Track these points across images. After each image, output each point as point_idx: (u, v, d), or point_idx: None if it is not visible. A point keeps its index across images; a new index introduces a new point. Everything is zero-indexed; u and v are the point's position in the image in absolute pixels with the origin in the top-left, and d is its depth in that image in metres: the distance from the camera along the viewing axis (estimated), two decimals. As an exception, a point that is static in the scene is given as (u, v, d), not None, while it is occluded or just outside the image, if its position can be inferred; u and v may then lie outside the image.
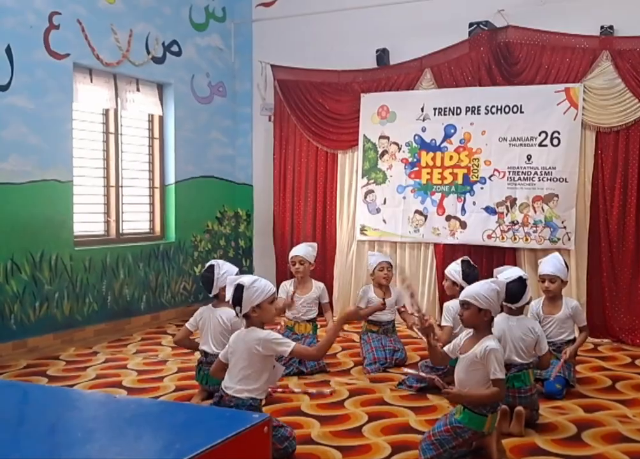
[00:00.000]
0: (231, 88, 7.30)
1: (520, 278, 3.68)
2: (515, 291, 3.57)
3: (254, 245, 7.36)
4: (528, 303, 3.88)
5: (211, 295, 4.24)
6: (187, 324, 4.29)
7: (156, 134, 6.62)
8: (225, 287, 4.11)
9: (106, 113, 6.08)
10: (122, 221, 6.24)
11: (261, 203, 7.32)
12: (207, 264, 4.34)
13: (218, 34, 7.11)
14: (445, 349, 3.43)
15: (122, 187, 6.21)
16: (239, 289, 3.22)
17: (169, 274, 6.55)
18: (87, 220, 5.95)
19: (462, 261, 4.46)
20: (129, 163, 6.34)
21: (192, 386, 4.36)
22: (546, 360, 3.76)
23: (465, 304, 3.26)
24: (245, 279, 3.28)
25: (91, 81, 5.78)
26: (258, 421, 1.47)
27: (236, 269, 4.23)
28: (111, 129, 6.12)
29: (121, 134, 6.20)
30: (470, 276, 4.33)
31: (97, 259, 5.78)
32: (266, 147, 7.21)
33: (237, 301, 3.22)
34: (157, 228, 6.64)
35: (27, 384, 3.36)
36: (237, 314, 3.26)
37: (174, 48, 6.53)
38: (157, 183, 6.63)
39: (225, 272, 4.14)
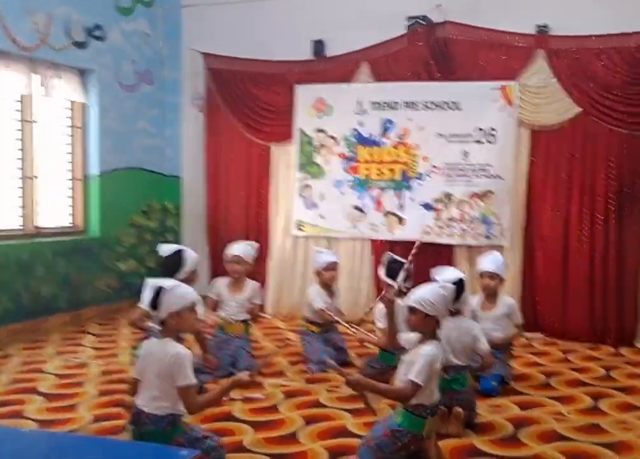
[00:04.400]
0: (159, 76, 6.98)
1: (460, 280, 3.60)
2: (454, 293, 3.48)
3: (182, 240, 7.05)
4: (465, 304, 3.81)
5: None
6: (140, 304, 3.94)
7: (78, 123, 6.23)
8: (193, 270, 4.10)
9: (22, 100, 5.66)
10: (40, 215, 5.83)
11: (190, 196, 7.03)
12: (168, 246, 4.23)
13: (145, 19, 6.77)
14: (402, 338, 3.32)
15: (37, 178, 5.79)
16: (158, 291, 2.94)
17: (92, 270, 6.19)
18: (1, 213, 5.53)
19: (386, 260, 4.34)
20: (48, 153, 5.94)
21: (116, 390, 4.09)
22: (488, 361, 3.71)
23: (411, 309, 3.15)
24: (166, 283, 3.01)
25: (7, 66, 5.36)
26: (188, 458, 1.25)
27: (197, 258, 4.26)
28: (29, 117, 5.70)
29: (34, 122, 5.76)
30: (393, 270, 4.22)
31: (12, 255, 5.39)
32: (195, 138, 6.92)
33: (155, 304, 2.94)
34: (79, 222, 6.26)
35: None
36: (153, 319, 3.00)
37: (98, 33, 6.14)
38: (78, 174, 6.24)
39: (195, 257, 4.18)
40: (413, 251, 4.02)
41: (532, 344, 5.43)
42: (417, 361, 3.00)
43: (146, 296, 3.01)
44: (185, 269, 4.09)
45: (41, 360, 4.85)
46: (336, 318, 4.75)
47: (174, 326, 2.96)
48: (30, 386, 4.25)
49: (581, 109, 5.50)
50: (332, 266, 4.92)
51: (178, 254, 4.14)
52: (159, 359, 2.89)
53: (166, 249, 4.23)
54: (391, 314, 3.49)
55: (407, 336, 3.33)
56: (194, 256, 4.21)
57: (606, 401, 4.05)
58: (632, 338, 5.40)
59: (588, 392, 4.23)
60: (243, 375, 3.07)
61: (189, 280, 4.01)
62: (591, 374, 4.65)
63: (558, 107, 5.58)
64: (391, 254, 4.44)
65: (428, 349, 3.07)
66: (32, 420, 3.64)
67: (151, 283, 3.06)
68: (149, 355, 2.96)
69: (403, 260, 4.31)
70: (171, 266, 4.08)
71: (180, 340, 3.02)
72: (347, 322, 4.70)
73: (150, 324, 3.98)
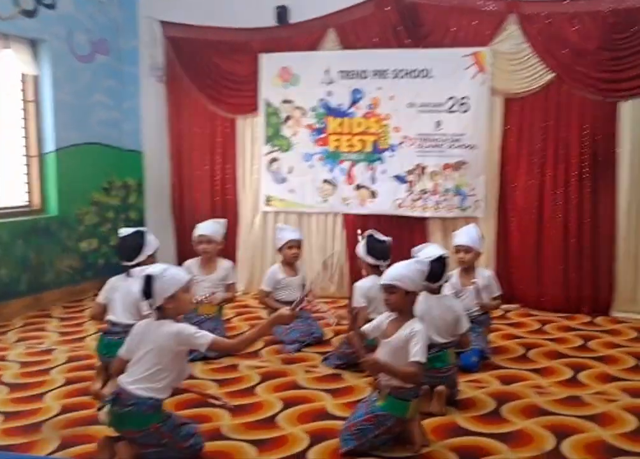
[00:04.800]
0: (115, 46, 6.62)
1: (440, 257, 3.51)
2: (436, 271, 3.39)
3: (146, 218, 6.81)
4: (447, 281, 3.74)
5: (132, 263, 3.88)
6: (97, 299, 3.96)
7: (30, 97, 5.89)
8: (152, 255, 3.96)
9: (-30, 71, 5.32)
10: (-6, 194, 5.54)
11: (152, 172, 6.75)
12: (128, 230, 4.06)
13: (99, -15, 6.40)
14: (364, 328, 3.22)
15: (-7, 155, 5.51)
16: (148, 280, 2.85)
17: (52, 251, 5.92)
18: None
19: (366, 235, 4.24)
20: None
21: (84, 378, 3.92)
22: (466, 340, 3.68)
23: (390, 287, 3.04)
24: (154, 269, 2.92)
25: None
26: None
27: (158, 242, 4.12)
28: (-22, 89, 5.37)
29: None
30: (375, 250, 4.13)
31: (-33, 237, 5.11)
32: (156, 111, 6.61)
33: (148, 294, 2.86)
34: (36, 201, 5.96)
35: None
36: (150, 307, 2.91)
37: (48, 1, 5.77)
38: (33, 151, 5.93)
39: (156, 241, 4.06)
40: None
41: (508, 316, 5.40)
42: (416, 341, 2.94)
43: (136, 286, 2.96)
44: (146, 251, 3.93)
45: (2, 347, 4.62)
46: (276, 306, 4.49)
47: (172, 310, 2.90)
48: (-7, 375, 4.05)
49: (554, 76, 5.40)
50: (293, 244, 4.79)
51: (138, 235, 3.97)
52: (158, 339, 2.84)
53: (125, 231, 4.07)
54: (355, 327, 3.31)
55: (369, 326, 3.23)
56: (154, 239, 4.07)
57: (585, 373, 4.03)
58: (608, 308, 5.41)
59: (567, 363, 4.21)
60: (284, 310, 3.02)
61: (147, 263, 3.84)
62: (569, 344, 4.63)
63: (531, 73, 5.47)
64: (373, 231, 4.31)
65: (418, 326, 3.01)
66: (-4, 412, 3.47)
67: (137, 272, 2.96)
68: (145, 334, 2.89)
69: (385, 238, 4.20)
70: (131, 247, 3.92)
71: (176, 320, 2.95)
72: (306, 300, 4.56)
73: (110, 317, 3.86)
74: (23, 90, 5.84)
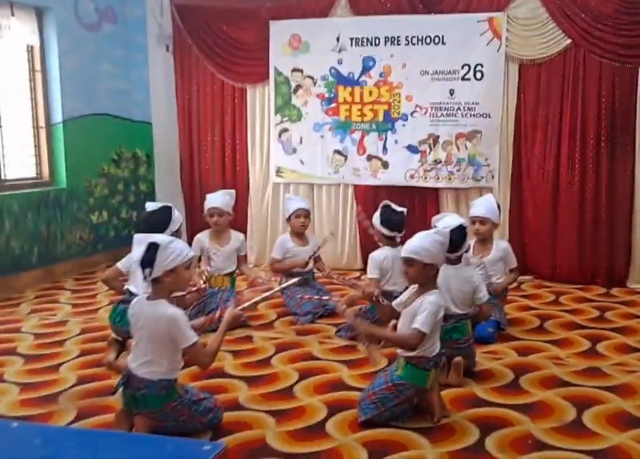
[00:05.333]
0: (122, 14, 6.50)
1: (460, 226, 3.45)
2: (455, 240, 3.33)
3: (156, 190, 6.76)
4: (467, 251, 3.69)
5: None
6: (118, 264, 3.87)
7: (37, 67, 5.80)
8: (177, 230, 3.91)
9: (-24, 40, 5.23)
10: (4, 166, 5.48)
11: (162, 143, 6.67)
12: (155, 204, 4.06)
13: (105, -50, 6.26)
14: (394, 303, 3.20)
15: (0, 127, 5.43)
16: (152, 248, 2.73)
17: (63, 223, 5.89)
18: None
19: (381, 206, 4.19)
20: (7, 100, 5.53)
21: (99, 349, 3.92)
22: (486, 310, 3.61)
23: (408, 260, 3.00)
24: (159, 238, 2.80)
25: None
26: (211, 456, 1.04)
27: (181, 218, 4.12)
28: (-16, 59, 5.29)
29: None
30: (391, 221, 4.09)
31: (-23, 209, 5.08)
32: (165, 81, 6.51)
33: (148, 262, 2.72)
34: (46, 173, 5.91)
35: None
36: (145, 277, 2.76)
37: (53, -34, 5.66)
38: (42, 122, 5.86)
39: (180, 216, 4.03)
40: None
41: (522, 287, 5.36)
42: (422, 310, 2.90)
43: (138, 253, 2.81)
44: (171, 227, 3.89)
45: (16, 319, 4.62)
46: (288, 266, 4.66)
47: (168, 285, 2.80)
48: (7, 347, 4.05)
49: (571, 41, 5.27)
50: (301, 213, 4.74)
51: (165, 211, 3.94)
52: (153, 323, 2.74)
53: (152, 205, 4.06)
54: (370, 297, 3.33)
55: (397, 301, 3.20)
56: (179, 215, 4.05)
57: (603, 344, 4.00)
58: (624, 279, 5.36)
59: (584, 334, 4.18)
60: (235, 311, 3.02)
61: None
62: (586, 316, 4.60)
63: (547, 39, 5.33)
64: (389, 201, 4.26)
65: (432, 297, 2.97)
66: (14, 383, 3.48)
67: (140, 239, 2.87)
68: (139, 316, 2.80)
69: (402, 209, 4.16)
70: (157, 222, 3.86)
71: (171, 300, 2.84)
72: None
73: (126, 286, 3.82)
74: (29, 60, 5.76)
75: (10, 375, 3.60)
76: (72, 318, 4.65)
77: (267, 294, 3.61)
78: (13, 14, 5.38)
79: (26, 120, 5.77)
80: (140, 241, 2.85)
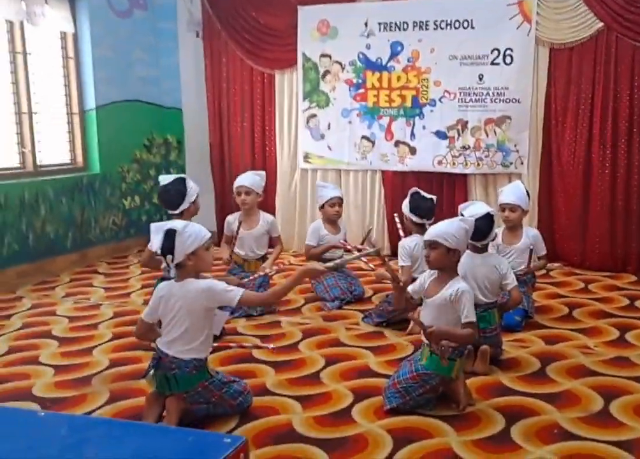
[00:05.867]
0: (153, 1, 6.56)
1: (488, 214, 3.43)
2: (482, 228, 3.33)
3: (186, 175, 6.82)
4: (493, 240, 3.67)
5: (177, 211, 3.92)
6: (149, 246, 3.83)
7: (71, 53, 5.90)
8: (194, 201, 3.95)
9: (11, 29, 5.32)
10: (39, 152, 5.60)
11: (192, 129, 6.75)
12: (168, 177, 4.06)
13: (135, -63, 6.30)
14: (409, 289, 3.19)
15: (35, 113, 5.54)
16: (170, 235, 2.80)
17: (96, 208, 6.02)
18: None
19: (411, 193, 4.19)
20: (42, 86, 5.64)
21: (131, 333, 3.90)
22: (516, 296, 3.56)
23: (432, 244, 3.01)
24: (176, 224, 2.86)
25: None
26: (232, 449, 1.09)
27: (198, 187, 4.10)
28: (19, 47, 5.38)
29: (30, 54, 5.47)
30: (420, 208, 4.09)
31: (14, 195, 5.21)
32: (195, 67, 6.58)
33: (168, 249, 2.80)
34: (79, 159, 6.04)
35: None
36: (167, 264, 2.85)
37: (86, -45, 5.72)
38: (75, 108, 5.97)
39: (195, 186, 4.03)
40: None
41: (551, 275, 5.32)
42: (464, 302, 2.92)
43: (156, 241, 2.86)
44: (189, 198, 3.94)
45: (52, 302, 4.75)
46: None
47: (192, 267, 2.86)
48: (43, 329, 4.17)
49: (603, 25, 5.15)
50: (335, 201, 4.76)
51: (179, 182, 3.97)
52: (187, 300, 2.81)
53: (166, 178, 4.08)
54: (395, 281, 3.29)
55: (411, 288, 3.20)
56: (195, 185, 4.07)
57: (633, 333, 3.95)
58: (655, 266, 5.30)
59: (613, 323, 4.13)
60: (316, 264, 3.12)
61: (190, 210, 3.95)
62: (615, 304, 4.54)
63: (578, 23, 5.23)
64: (417, 188, 4.26)
65: (463, 286, 2.98)
66: (49, 365, 3.58)
67: (156, 228, 2.91)
68: (170, 297, 2.86)
69: (431, 196, 4.16)
70: (174, 195, 3.92)
71: (199, 278, 2.91)
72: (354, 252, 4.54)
73: (164, 263, 3.89)
74: (63, 47, 5.85)
75: (45, 357, 3.70)
76: (106, 301, 4.76)
77: (349, 258, 3.73)
78: (47, 2, 5.46)
79: (60, 106, 5.88)
80: (156, 230, 2.89)
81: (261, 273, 4.51)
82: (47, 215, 5.50)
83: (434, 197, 4.21)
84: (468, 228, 3.06)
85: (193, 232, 2.84)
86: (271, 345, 3.78)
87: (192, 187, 4.01)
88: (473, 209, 3.49)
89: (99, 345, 3.89)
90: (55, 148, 5.84)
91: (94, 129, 5.99)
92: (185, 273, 2.86)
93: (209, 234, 2.94)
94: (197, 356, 2.83)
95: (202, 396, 2.86)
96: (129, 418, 2.94)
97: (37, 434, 1.31)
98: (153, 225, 2.95)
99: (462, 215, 3.42)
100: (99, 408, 3.06)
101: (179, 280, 2.87)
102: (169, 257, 2.81)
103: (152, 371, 2.88)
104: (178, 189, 3.93)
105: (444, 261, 3.02)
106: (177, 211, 3.92)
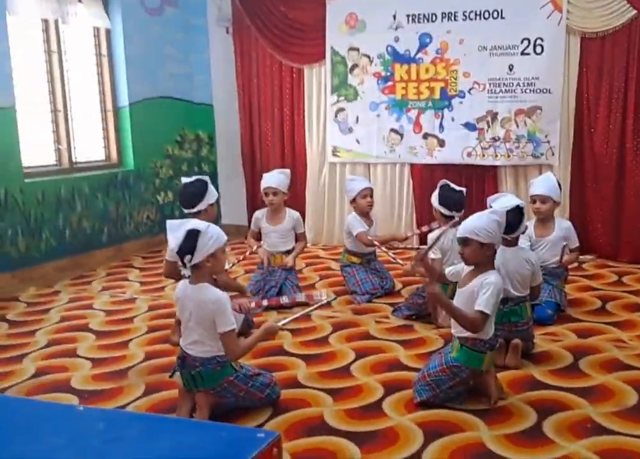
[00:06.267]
0: (183, -3, 6.65)
1: (517, 207, 3.40)
2: (512, 221, 3.30)
3: (218, 170, 6.93)
4: (523, 232, 3.64)
5: (194, 210, 3.88)
6: (167, 257, 3.90)
7: (104, 51, 6.01)
8: (212, 203, 3.94)
9: (46, 28, 5.44)
10: (75, 149, 5.74)
11: (223, 125, 6.82)
12: (189, 178, 4.04)
13: None
14: (446, 270, 3.24)
15: (70, 111, 5.67)
16: (193, 235, 2.78)
17: (131, 204, 6.15)
18: (36, 149, 5.44)
19: (440, 186, 4.19)
20: (76, 84, 5.76)
21: (165, 326, 4.09)
22: (538, 291, 3.58)
23: (464, 241, 3.00)
24: (196, 224, 2.84)
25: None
26: (265, 444, 1.12)
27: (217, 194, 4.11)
28: (54, 46, 5.50)
29: (64, 53, 5.59)
30: (450, 200, 4.08)
31: (51, 191, 5.35)
32: (225, 63, 6.63)
33: (189, 249, 2.78)
34: (114, 155, 6.16)
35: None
36: (185, 265, 2.81)
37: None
38: (109, 106, 6.08)
39: (213, 190, 4.01)
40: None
41: (584, 267, 5.26)
42: (485, 291, 2.90)
43: (174, 240, 2.81)
44: (208, 199, 3.94)
45: (89, 296, 4.87)
46: (376, 243, 4.63)
47: (209, 269, 2.86)
48: (80, 323, 4.28)
49: (636, 12, 5.05)
50: (367, 192, 4.75)
51: (200, 183, 3.97)
52: (198, 306, 2.83)
53: (187, 179, 4.08)
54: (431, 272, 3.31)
55: (454, 271, 3.23)
56: (214, 190, 4.05)
57: (668, 326, 3.90)
58: (689, 259, 5.21)
59: (647, 316, 4.08)
60: (273, 324, 3.11)
61: (207, 213, 3.92)
62: (649, 297, 4.48)
63: (610, 11, 5.14)
64: (447, 181, 4.25)
65: (492, 278, 2.95)
66: (86, 358, 3.67)
67: (173, 226, 2.86)
68: (186, 299, 2.89)
69: (460, 188, 4.15)
70: (193, 194, 3.91)
71: (214, 282, 2.93)
72: (389, 251, 4.58)
73: (182, 271, 3.91)
74: (96, 45, 5.96)
75: (83, 350, 3.80)
76: (141, 295, 4.86)
77: (298, 315, 3.73)
78: (80, 1, 5.57)
79: (94, 104, 6.00)
80: (173, 228, 2.85)
81: (287, 265, 4.59)
82: (83, 210, 5.63)
83: (464, 189, 4.19)
84: (500, 220, 3.02)
85: (214, 233, 2.83)
86: (325, 299, 3.78)
87: (212, 190, 4.01)
88: (502, 201, 3.45)
89: (135, 338, 3.97)
90: (90, 145, 5.96)
91: (128, 125, 6.10)
92: (201, 274, 2.85)
93: (226, 237, 2.94)
94: (219, 353, 2.85)
95: (229, 391, 2.90)
96: (163, 411, 3.01)
97: (76, 429, 1.37)
98: (169, 223, 2.89)
99: (491, 207, 3.40)
100: (135, 400, 3.13)
101: (194, 282, 2.86)
102: (187, 257, 2.78)
103: (177, 371, 2.94)
104: (197, 188, 3.93)
105: (479, 256, 3.00)
106: (194, 210, 3.88)
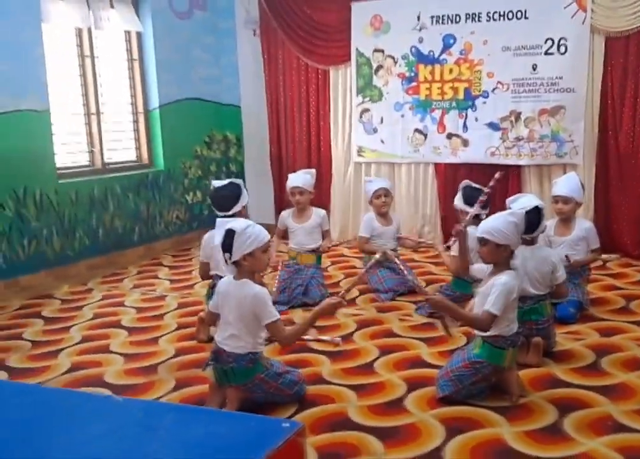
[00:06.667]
0: (212, 1, 6.77)
1: (536, 207, 3.45)
2: (531, 222, 3.35)
3: (245, 170, 7.06)
4: (542, 232, 3.68)
5: (230, 213, 3.95)
6: (200, 258, 4.09)
7: (135, 55, 6.17)
8: (245, 205, 4.04)
9: (79, 34, 5.62)
10: (107, 150, 5.91)
11: (250, 126, 6.95)
12: (220, 181, 4.15)
13: (193, -59, 6.50)
14: (474, 267, 3.35)
15: (103, 114, 5.84)
16: (230, 234, 2.91)
17: (161, 203, 6.30)
18: (69, 151, 5.63)
19: (462, 187, 4.25)
20: (109, 88, 5.93)
21: (195, 323, 4.15)
22: (564, 290, 3.60)
23: (482, 240, 3.08)
24: (237, 224, 2.96)
25: (60, -1, 5.29)
26: (291, 433, 1.23)
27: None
28: (87, 51, 5.67)
29: (97, 57, 5.76)
30: (474, 199, 4.11)
31: (84, 192, 5.52)
32: (253, 65, 6.76)
33: (227, 247, 2.92)
34: (144, 156, 6.32)
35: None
36: (226, 261, 2.96)
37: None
38: (140, 108, 6.24)
39: (245, 192, 4.08)
40: (492, 182, 3.76)
41: (608, 266, 5.27)
42: (493, 291, 2.97)
43: (219, 237, 2.98)
44: (241, 201, 4.01)
45: (120, 294, 5.02)
46: (373, 249, 4.76)
47: (248, 267, 2.97)
48: (113, 320, 4.41)
49: (661, 12, 5.07)
50: (381, 192, 4.84)
51: (235, 186, 4.05)
52: (239, 302, 2.93)
53: (219, 182, 4.15)
54: (462, 245, 3.43)
55: (478, 267, 3.30)
56: (246, 192, 4.13)
57: (691, 326, 3.91)
58: None
59: (671, 316, 4.08)
60: (330, 301, 3.12)
61: (242, 214, 3.99)
62: (673, 296, 4.48)
63: (635, 10, 5.15)
64: (469, 181, 4.32)
65: (503, 278, 3.02)
66: (118, 354, 3.80)
67: (221, 223, 3.03)
68: (227, 295, 2.99)
69: (482, 187, 4.19)
70: (228, 197, 3.99)
71: (253, 278, 3.03)
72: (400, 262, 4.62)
73: (211, 271, 4.00)
74: (128, 49, 6.12)
75: (115, 346, 3.92)
76: (171, 293, 4.99)
77: (355, 278, 3.77)
78: (112, 7, 5.73)
79: (126, 106, 6.16)
80: (220, 226, 3.00)
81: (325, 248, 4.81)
82: (115, 210, 5.80)
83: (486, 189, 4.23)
84: (517, 222, 3.08)
85: (253, 233, 2.92)
86: (337, 339, 3.87)
87: (245, 192, 4.08)
88: (521, 202, 3.50)
89: (165, 334, 4.08)
90: (121, 146, 6.13)
91: (158, 127, 6.25)
92: (242, 271, 2.97)
93: (268, 237, 3.03)
94: (253, 350, 2.95)
95: (259, 387, 2.99)
96: (193, 404, 3.10)
97: (115, 418, 1.48)
98: (218, 221, 3.08)
99: (510, 208, 3.45)
100: (166, 394, 3.23)
101: (237, 278, 2.99)
102: (226, 254, 2.93)
103: (210, 365, 3.03)
104: (232, 191, 4.00)
105: (495, 256, 3.07)
106: (229, 213, 3.95)
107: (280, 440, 1.23)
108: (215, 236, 3.09)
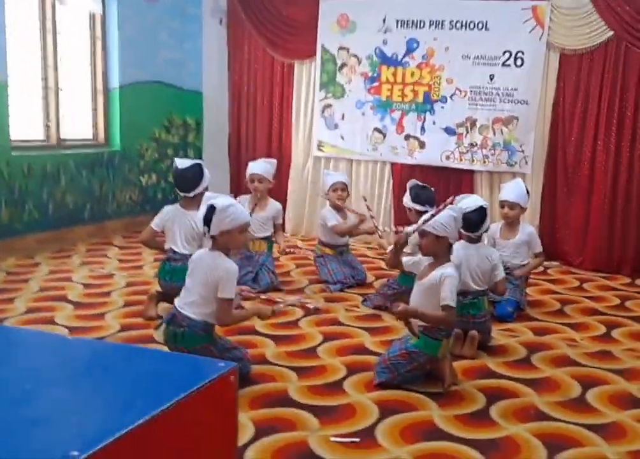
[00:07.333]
0: (179, -14, 6.77)
1: (481, 207, 3.62)
2: (475, 220, 3.52)
3: (203, 156, 7.07)
4: (486, 231, 3.85)
5: (190, 194, 4.01)
6: (152, 224, 4.09)
7: (98, 34, 6.12)
8: (206, 187, 4.08)
9: (42, 7, 5.55)
10: (63, 126, 5.84)
11: (211, 112, 6.97)
12: (185, 161, 4.16)
13: None
14: (404, 259, 3.40)
15: (62, 90, 5.78)
16: (211, 210, 3.03)
17: (114, 183, 6.26)
18: (25, 124, 5.55)
19: (410, 187, 4.38)
20: (70, 64, 5.87)
21: (142, 302, 4.19)
22: (502, 286, 3.76)
23: (422, 232, 3.21)
24: (220, 201, 3.07)
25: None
26: (224, 371, 1.37)
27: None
28: (49, 25, 5.61)
29: (59, 33, 5.69)
30: (422, 196, 4.26)
31: (37, 165, 5.46)
32: (217, 53, 6.79)
33: (207, 222, 3.05)
34: (101, 135, 6.27)
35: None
36: (204, 233, 3.10)
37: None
38: (99, 86, 6.20)
39: (207, 174, 4.11)
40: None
41: (549, 272, 5.47)
42: (446, 284, 3.07)
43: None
44: (203, 183, 4.06)
45: (68, 269, 4.99)
46: (352, 219, 4.86)
47: (223, 243, 3.08)
48: (59, 294, 4.40)
49: (613, 33, 5.29)
50: (339, 186, 4.91)
51: (197, 168, 4.08)
52: (210, 270, 3.03)
53: (183, 162, 4.17)
54: (398, 247, 3.44)
55: (409, 259, 3.39)
56: (208, 173, 4.17)
57: (620, 330, 4.11)
58: (650, 269, 5.43)
59: (602, 320, 4.28)
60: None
61: (201, 195, 3.92)
62: (606, 303, 4.68)
63: (589, 30, 5.38)
64: (416, 180, 4.45)
65: (451, 270, 3.13)
66: (63, 326, 3.80)
67: (206, 198, 3.14)
68: (199, 262, 3.10)
69: (429, 186, 4.33)
70: (191, 179, 4.03)
71: (228, 254, 3.11)
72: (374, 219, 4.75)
73: (167, 245, 4.06)
74: (91, 27, 6.07)
75: (60, 319, 3.93)
76: (119, 272, 4.99)
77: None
78: (77, -17, 5.68)
79: (85, 83, 6.11)
80: (206, 200, 3.12)
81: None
82: (67, 186, 5.74)
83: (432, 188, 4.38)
84: (456, 215, 3.21)
85: (233, 213, 3.04)
86: (313, 305, 3.99)
87: (207, 174, 4.12)
88: (466, 202, 3.65)
89: (111, 311, 4.10)
90: (78, 123, 6.07)
91: (117, 107, 6.22)
92: (217, 246, 3.08)
93: (248, 219, 3.16)
94: (208, 319, 3.04)
95: (203, 355, 3.05)
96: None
97: (66, 355, 1.54)
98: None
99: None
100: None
101: (213, 250, 3.09)
102: (205, 228, 3.05)
103: (163, 325, 3.12)
104: (195, 173, 4.04)
105: (434, 248, 3.20)
106: (190, 195, 4.02)
107: (215, 375, 1.39)
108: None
